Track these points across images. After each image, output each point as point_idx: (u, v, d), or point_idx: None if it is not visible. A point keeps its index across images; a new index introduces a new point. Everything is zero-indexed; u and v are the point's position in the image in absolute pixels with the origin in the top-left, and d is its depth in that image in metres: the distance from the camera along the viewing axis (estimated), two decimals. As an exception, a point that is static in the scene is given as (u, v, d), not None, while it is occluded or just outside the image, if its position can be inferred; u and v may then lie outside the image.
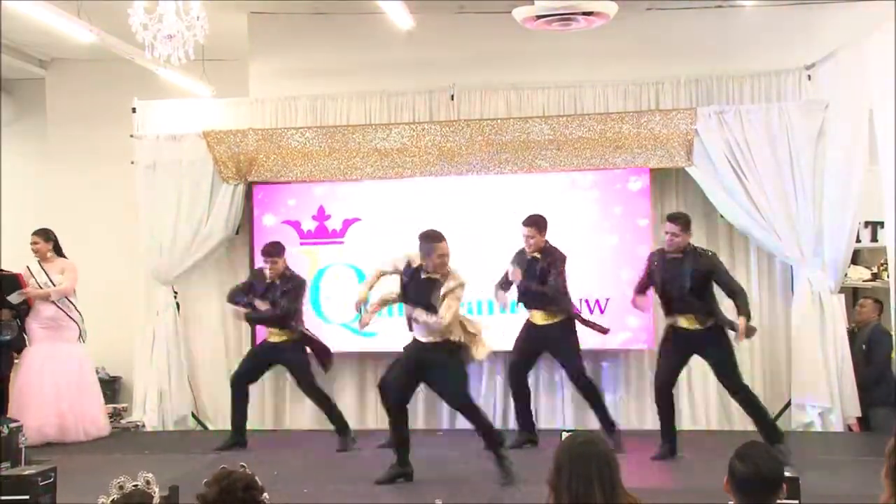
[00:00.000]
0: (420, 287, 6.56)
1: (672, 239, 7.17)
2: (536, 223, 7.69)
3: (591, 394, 7.91)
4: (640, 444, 7.63)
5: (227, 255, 9.60)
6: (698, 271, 7.09)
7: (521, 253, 7.78)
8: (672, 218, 7.30)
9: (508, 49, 9.29)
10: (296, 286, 8.05)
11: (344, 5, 9.33)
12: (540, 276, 7.64)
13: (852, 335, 8.74)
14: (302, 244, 9.23)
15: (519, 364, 8.01)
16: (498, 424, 9.02)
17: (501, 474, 6.51)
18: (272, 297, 7.96)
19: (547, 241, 7.72)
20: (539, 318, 7.79)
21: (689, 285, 7.07)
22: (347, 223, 9.29)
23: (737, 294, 7.14)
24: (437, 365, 6.62)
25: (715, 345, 7.18)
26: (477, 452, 7.30)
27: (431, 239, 6.56)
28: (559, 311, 7.70)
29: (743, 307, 7.05)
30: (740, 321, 6.99)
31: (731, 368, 7.29)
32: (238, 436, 8.11)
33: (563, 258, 7.69)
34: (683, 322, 7.19)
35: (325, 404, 8.17)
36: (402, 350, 6.90)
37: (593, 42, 8.92)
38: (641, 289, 7.48)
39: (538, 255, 7.67)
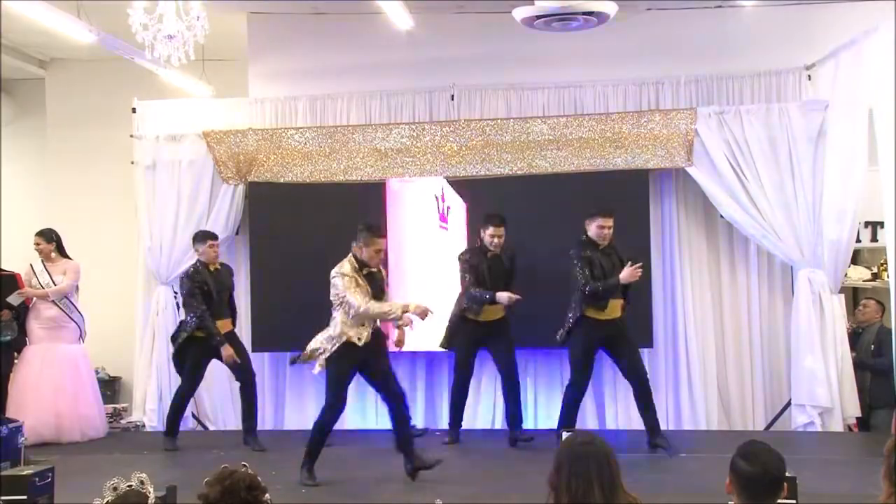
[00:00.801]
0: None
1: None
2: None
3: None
4: (641, 444, 7.63)
5: (227, 255, 9.59)
6: None
7: (480, 252, 7.97)
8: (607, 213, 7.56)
9: (508, 49, 9.29)
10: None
11: (344, 5, 9.32)
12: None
13: (854, 336, 8.72)
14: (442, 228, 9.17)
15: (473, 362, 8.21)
16: (497, 426, 9.06)
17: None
18: None
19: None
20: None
21: None
22: (467, 207, 9.19)
23: None
24: None
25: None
26: (477, 452, 7.32)
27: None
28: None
29: None
30: None
31: None
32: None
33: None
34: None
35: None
36: None
37: (593, 42, 8.91)
38: None
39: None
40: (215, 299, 8.01)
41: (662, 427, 8.89)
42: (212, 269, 8.10)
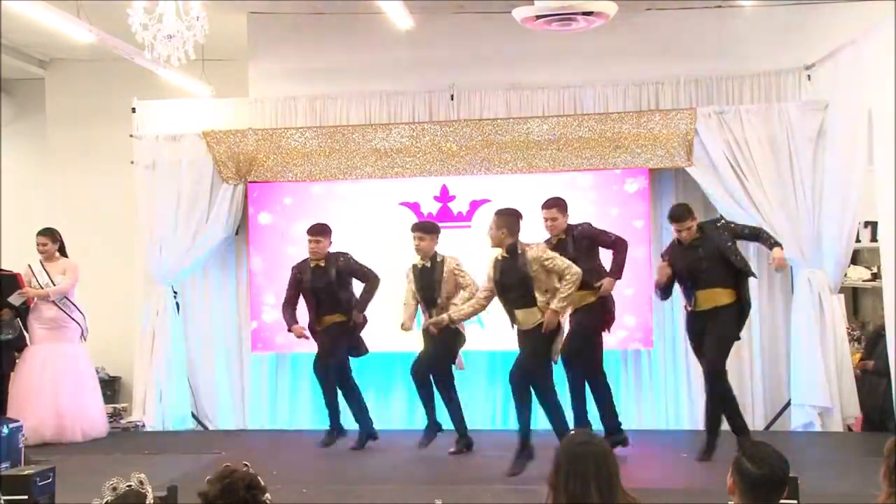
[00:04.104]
0: None
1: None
2: (558, 204, 7.47)
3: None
4: (640, 444, 7.63)
5: (226, 255, 9.61)
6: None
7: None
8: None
9: (508, 49, 9.29)
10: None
11: (344, 5, 9.33)
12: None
13: (877, 336, 8.50)
14: None
15: None
16: (497, 425, 9.06)
17: None
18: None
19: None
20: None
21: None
22: (475, 205, 9.15)
23: None
24: None
25: None
26: (477, 452, 7.32)
27: None
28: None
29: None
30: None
31: None
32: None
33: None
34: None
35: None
36: None
37: (593, 42, 8.92)
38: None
39: (563, 237, 7.42)
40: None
41: (663, 427, 8.94)
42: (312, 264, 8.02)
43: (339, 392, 8.01)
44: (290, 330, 8.07)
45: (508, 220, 6.79)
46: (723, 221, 7.52)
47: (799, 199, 8.65)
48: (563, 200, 7.47)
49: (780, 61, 9.07)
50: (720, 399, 7.19)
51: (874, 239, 9.13)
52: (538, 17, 7.55)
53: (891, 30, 7.15)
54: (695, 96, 9.15)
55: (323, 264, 7.95)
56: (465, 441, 7.67)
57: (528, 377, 6.71)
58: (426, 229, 7.74)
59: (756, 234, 7.45)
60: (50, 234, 8.68)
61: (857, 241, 8.96)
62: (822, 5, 9.02)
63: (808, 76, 8.92)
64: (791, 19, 9.12)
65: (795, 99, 8.92)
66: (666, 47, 9.28)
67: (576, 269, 6.69)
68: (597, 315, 7.36)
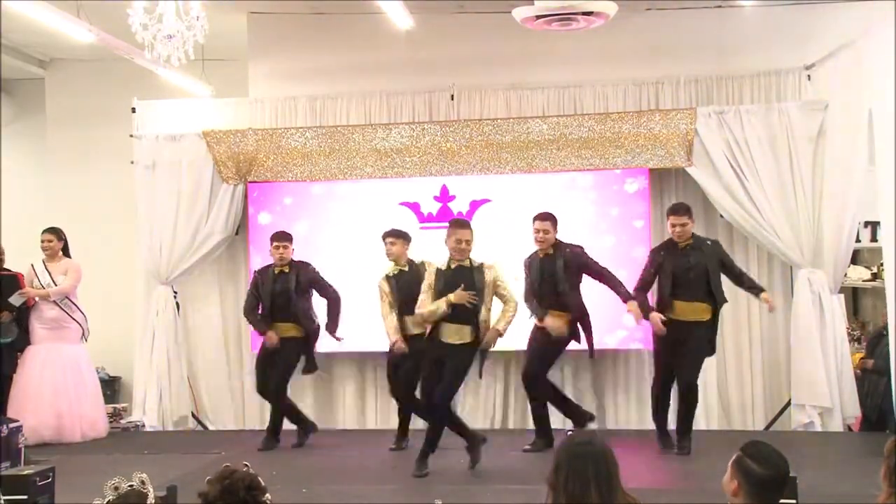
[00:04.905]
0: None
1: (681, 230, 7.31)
2: (551, 218, 7.58)
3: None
4: (640, 444, 7.63)
5: (226, 254, 9.60)
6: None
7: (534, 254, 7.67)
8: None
9: (508, 49, 9.29)
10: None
11: (344, 5, 9.33)
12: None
13: (878, 336, 8.48)
14: (423, 228, 8.87)
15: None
16: (497, 426, 9.06)
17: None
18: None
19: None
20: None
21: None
22: (475, 205, 9.14)
23: None
24: None
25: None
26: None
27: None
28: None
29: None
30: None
31: None
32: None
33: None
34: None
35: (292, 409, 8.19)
36: None
37: (593, 42, 8.92)
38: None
39: (550, 252, 7.55)
40: None
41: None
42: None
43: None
44: (262, 334, 8.01)
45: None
46: (718, 244, 7.61)
47: (799, 199, 8.65)
48: (555, 216, 7.59)
49: (780, 61, 9.08)
50: (692, 406, 7.51)
51: (874, 239, 9.14)
52: (538, 17, 7.56)
53: (891, 30, 7.15)
54: (695, 96, 9.15)
55: (286, 270, 7.98)
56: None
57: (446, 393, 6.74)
58: (399, 234, 7.78)
59: (739, 277, 7.50)
60: (55, 232, 8.70)
61: (857, 241, 8.96)
62: (822, 5, 9.02)
63: (808, 76, 8.92)
64: (791, 19, 9.13)
65: (795, 99, 8.92)
66: (666, 47, 9.29)
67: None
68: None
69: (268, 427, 8.16)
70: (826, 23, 8.94)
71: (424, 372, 6.89)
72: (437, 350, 6.71)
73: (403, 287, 7.56)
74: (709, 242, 7.52)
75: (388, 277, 7.70)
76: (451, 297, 6.58)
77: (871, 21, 7.76)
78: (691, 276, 7.24)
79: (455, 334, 6.66)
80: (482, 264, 6.78)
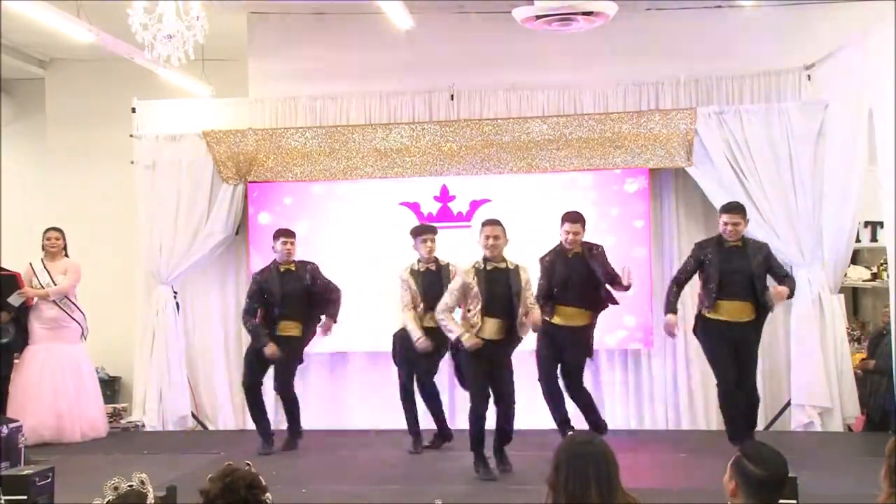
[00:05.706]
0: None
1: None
2: (582, 220, 7.49)
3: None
4: (640, 444, 7.63)
5: (226, 255, 9.60)
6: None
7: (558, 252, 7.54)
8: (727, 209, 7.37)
9: (508, 49, 9.29)
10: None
11: (344, 5, 9.33)
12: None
13: (879, 336, 8.51)
14: None
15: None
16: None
17: None
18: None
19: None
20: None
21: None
22: (475, 205, 9.11)
23: None
24: None
25: None
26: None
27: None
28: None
29: None
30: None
31: None
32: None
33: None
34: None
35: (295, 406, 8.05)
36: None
37: (593, 42, 8.91)
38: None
39: (579, 251, 7.46)
40: None
41: (663, 427, 8.94)
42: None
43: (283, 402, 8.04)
44: (264, 347, 7.68)
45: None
46: (766, 246, 7.50)
47: (799, 199, 8.65)
48: (584, 217, 7.52)
49: (780, 61, 9.08)
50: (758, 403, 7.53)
51: (874, 239, 9.14)
52: (538, 17, 7.55)
53: (891, 30, 7.15)
54: (695, 96, 9.15)
55: (293, 269, 7.87)
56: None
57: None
58: (435, 231, 7.70)
59: (783, 280, 7.35)
60: (60, 231, 8.72)
61: (857, 241, 8.96)
62: (822, 5, 9.02)
63: (808, 76, 8.92)
64: (791, 19, 9.13)
65: (795, 99, 8.92)
66: (666, 47, 9.28)
67: None
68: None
69: (287, 427, 8.02)
70: (826, 23, 8.95)
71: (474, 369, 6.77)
72: (487, 350, 6.64)
73: (427, 285, 7.47)
74: (759, 245, 7.43)
75: (414, 272, 7.58)
76: (465, 339, 6.55)
77: (871, 21, 7.76)
78: (737, 279, 7.17)
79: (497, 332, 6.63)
80: (518, 266, 6.71)
